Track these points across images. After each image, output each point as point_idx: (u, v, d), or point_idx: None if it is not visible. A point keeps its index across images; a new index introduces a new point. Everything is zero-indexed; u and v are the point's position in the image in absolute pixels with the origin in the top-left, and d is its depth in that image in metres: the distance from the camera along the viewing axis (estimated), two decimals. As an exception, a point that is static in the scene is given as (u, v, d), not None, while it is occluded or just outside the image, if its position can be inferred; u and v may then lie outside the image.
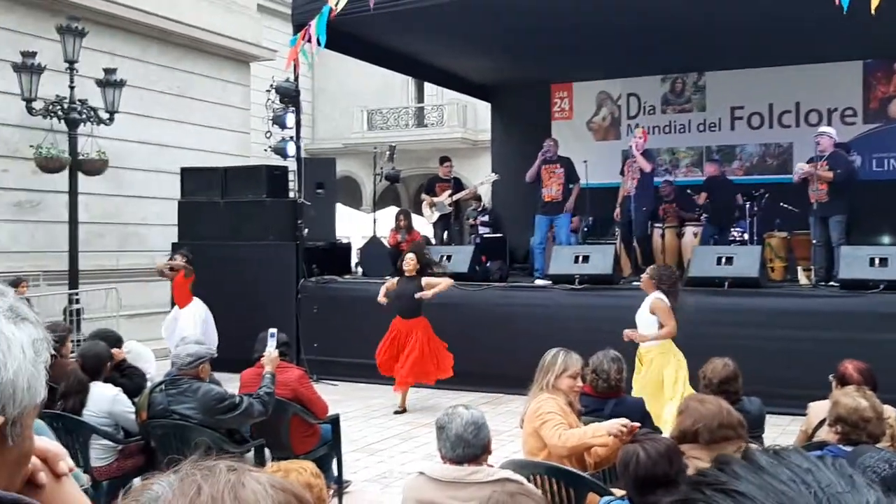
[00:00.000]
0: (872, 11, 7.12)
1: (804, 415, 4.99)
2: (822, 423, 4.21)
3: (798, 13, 10.03)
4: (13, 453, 0.92)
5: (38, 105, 11.69)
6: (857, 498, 0.63)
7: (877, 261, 8.82)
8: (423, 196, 13.08)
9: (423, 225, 15.45)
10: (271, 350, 5.56)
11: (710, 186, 11.99)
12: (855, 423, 3.57)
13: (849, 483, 0.64)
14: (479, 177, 18.32)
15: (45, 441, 1.03)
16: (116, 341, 5.97)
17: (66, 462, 1.03)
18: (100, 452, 5.22)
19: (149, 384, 5.49)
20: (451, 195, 12.62)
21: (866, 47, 12.34)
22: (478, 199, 14.12)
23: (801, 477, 0.64)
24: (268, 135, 11.58)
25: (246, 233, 11.36)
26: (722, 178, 12.33)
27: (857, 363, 4.77)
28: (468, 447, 3.30)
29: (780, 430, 7.06)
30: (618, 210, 11.56)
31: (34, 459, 0.98)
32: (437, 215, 12.71)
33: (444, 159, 13.30)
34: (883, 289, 8.58)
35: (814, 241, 9.92)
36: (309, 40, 10.40)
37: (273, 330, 5.74)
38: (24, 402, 0.91)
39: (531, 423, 4.32)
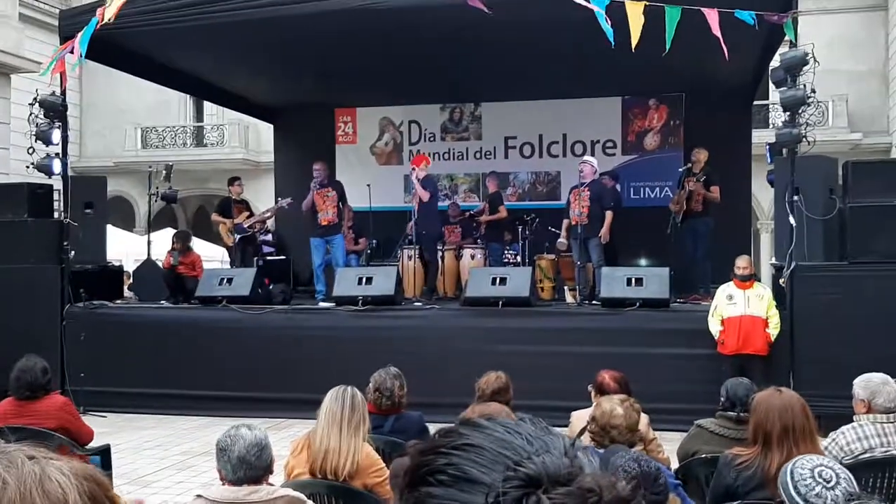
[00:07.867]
0: (633, 48, 7.77)
1: (567, 425, 5.31)
2: (583, 430, 4.51)
3: (564, 49, 10.74)
4: None
5: None
6: (555, 441, 0.81)
7: (633, 281, 9.59)
8: (218, 218, 12.62)
9: (205, 247, 14.94)
10: None
11: (492, 201, 12.61)
12: (603, 426, 3.83)
13: (545, 431, 0.82)
14: (262, 198, 18.12)
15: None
16: None
17: None
18: None
19: None
20: (248, 217, 12.40)
21: (624, 84, 13.44)
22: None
23: (513, 428, 0.82)
24: (30, 151, 10.79)
25: (5, 255, 10.49)
26: (500, 194, 13.08)
27: (612, 372, 5.12)
28: (250, 469, 3.26)
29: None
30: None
31: None
32: (237, 238, 12.36)
33: (233, 179, 12.96)
34: (638, 306, 9.33)
35: (577, 263, 10.63)
36: (72, 51, 9.86)
37: None
38: None
39: None
